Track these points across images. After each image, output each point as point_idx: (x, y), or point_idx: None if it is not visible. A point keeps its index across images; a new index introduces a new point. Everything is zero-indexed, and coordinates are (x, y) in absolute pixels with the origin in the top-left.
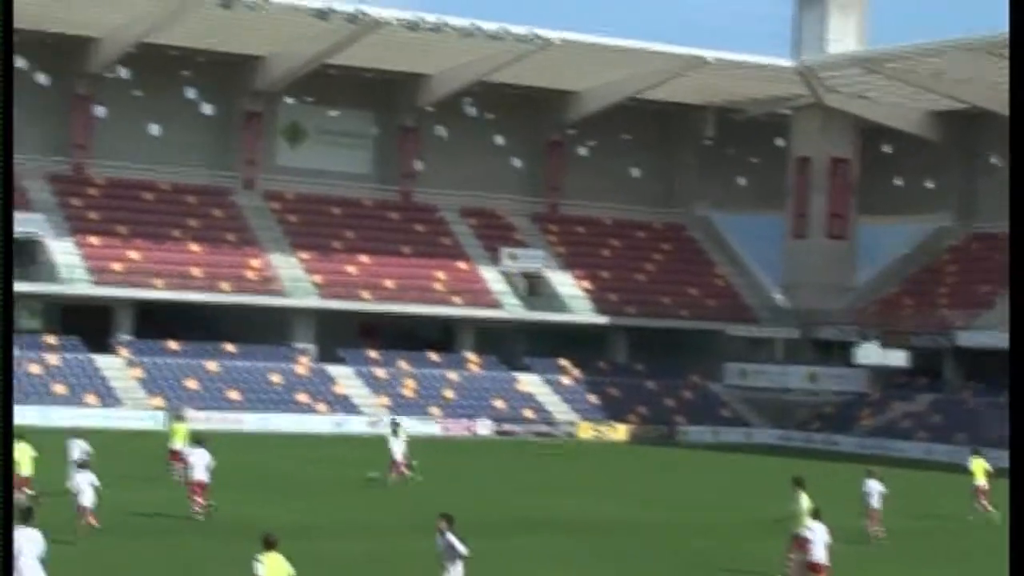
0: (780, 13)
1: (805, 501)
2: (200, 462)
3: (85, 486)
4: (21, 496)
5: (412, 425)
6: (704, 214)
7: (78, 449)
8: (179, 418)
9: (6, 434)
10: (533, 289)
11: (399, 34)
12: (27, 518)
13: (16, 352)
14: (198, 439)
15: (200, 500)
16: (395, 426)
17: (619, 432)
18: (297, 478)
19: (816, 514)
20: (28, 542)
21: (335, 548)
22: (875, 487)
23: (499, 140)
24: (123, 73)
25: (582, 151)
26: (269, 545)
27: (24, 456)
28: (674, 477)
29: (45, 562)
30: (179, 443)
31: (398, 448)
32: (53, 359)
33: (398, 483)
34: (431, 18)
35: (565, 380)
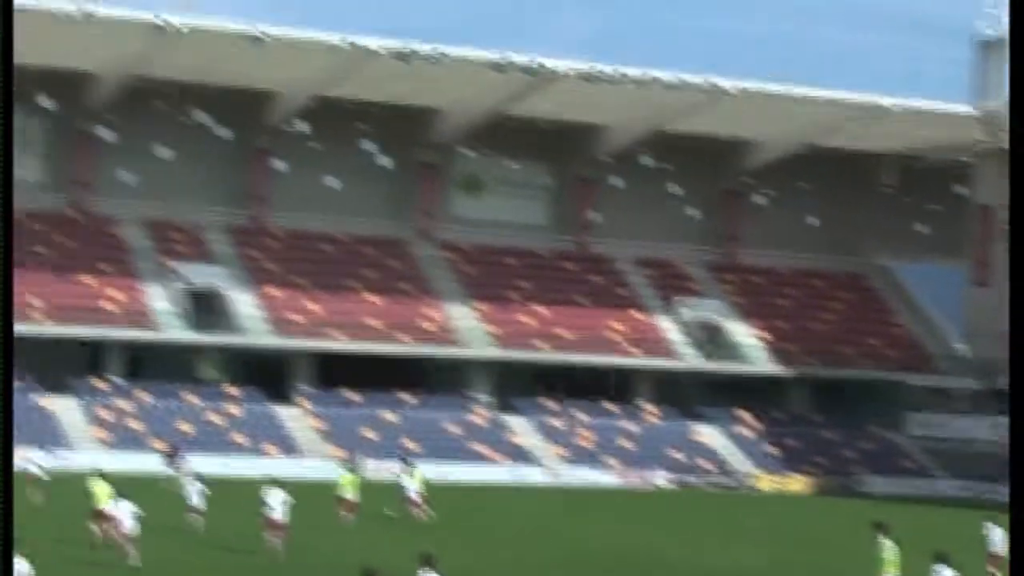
0: (959, 57)
1: (890, 549)
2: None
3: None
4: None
5: (588, 475)
6: (883, 263)
7: (276, 499)
8: (350, 469)
9: (6, 434)
10: (710, 339)
11: (575, 85)
12: None
13: (198, 402)
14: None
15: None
16: (408, 464)
17: (798, 483)
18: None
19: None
20: None
21: None
22: None
23: (675, 189)
24: (301, 126)
25: (758, 200)
26: None
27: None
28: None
29: None
30: (349, 493)
31: (411, 486)
32: (234, 410)
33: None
34: (607, 69)
35: (742, 431)
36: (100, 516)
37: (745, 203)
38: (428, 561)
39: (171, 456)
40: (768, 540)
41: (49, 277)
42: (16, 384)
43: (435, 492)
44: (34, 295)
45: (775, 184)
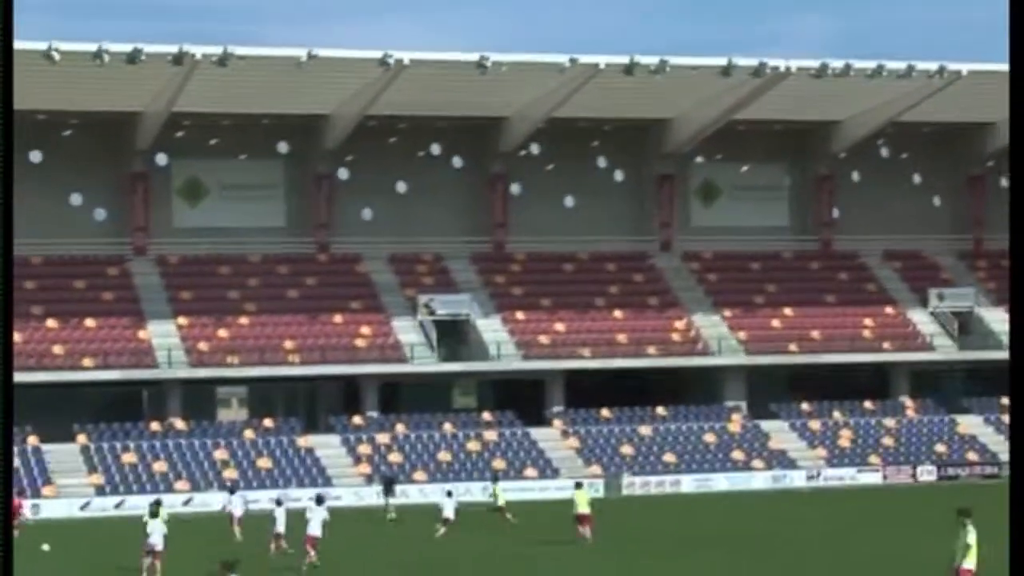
0: None
1: (972, 534)
2: (317, 518)
3: None
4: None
5: (850, 474)
6: None
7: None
8: (579, 485)
9: (6, 434)
10: (965, 328)
11: (805, 83)
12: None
13: (455, 431)
14: (319, 498)
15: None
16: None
17: None
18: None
19: None
20: None
21: None
22: None
23: (916, 179)
24: (534, 149)
25: (1003, 182)
26: None
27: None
28: None
29: None
30: (583, 508)
31: (449, 508)
32: (491, 435)
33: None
34: (836, 63)
35: (1008, 419)
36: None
37: (990, 187)
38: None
39: (389, 486)
40: None
41: (300, 318)
42: (280, 424)
43: (699, 501)
44: (288, 337)
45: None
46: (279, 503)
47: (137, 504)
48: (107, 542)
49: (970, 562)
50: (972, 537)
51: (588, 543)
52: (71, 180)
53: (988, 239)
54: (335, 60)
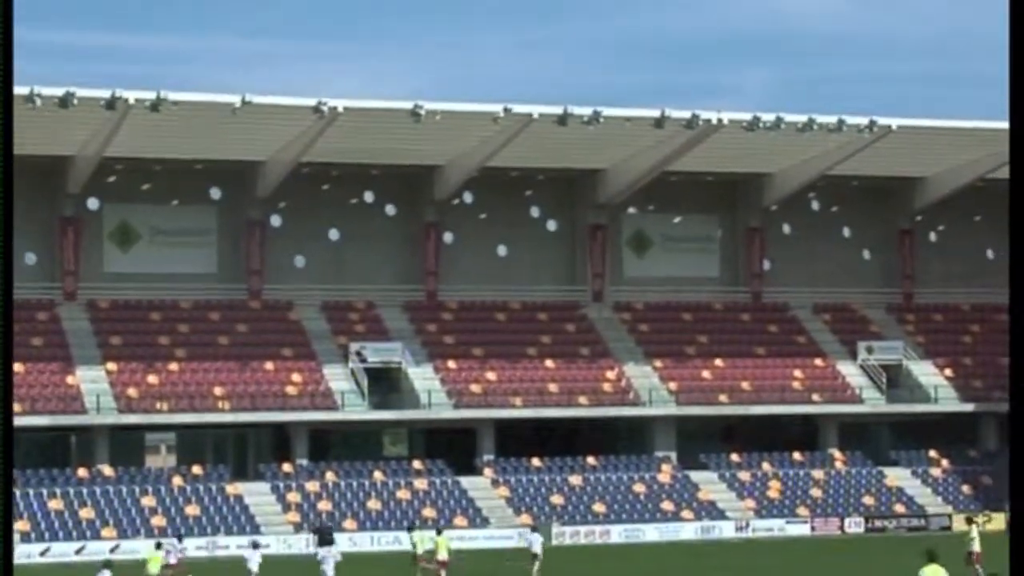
0: None
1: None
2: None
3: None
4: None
5: (779, 525)
6: None
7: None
8: (439, 532)
9: (6, 434)
10: (894, 381)
11: (737, 135)
12: None
13: (385, 479)
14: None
15: None
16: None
17: (997, 522)
18: None
19: None
20: None
21: None
22: None
23: (846, 232)
24: (468, 198)
25: (933, 237)
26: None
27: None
28: None
29: None
30: (443, 554)
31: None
32: (421, 484)
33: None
34: (768, 116)
35: (935, 472)
36: None
37: (919, 241)
38: None
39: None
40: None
41: (231, 365)
42: (209, 472)
43: (628, 552)
44: (218, 384)
45: (948, 219)
46: (255, 546)
47: (62, 551)
48: None
49: None
50: (975, 532)
51: None
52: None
53: (917, 293)
54: (269, 107)
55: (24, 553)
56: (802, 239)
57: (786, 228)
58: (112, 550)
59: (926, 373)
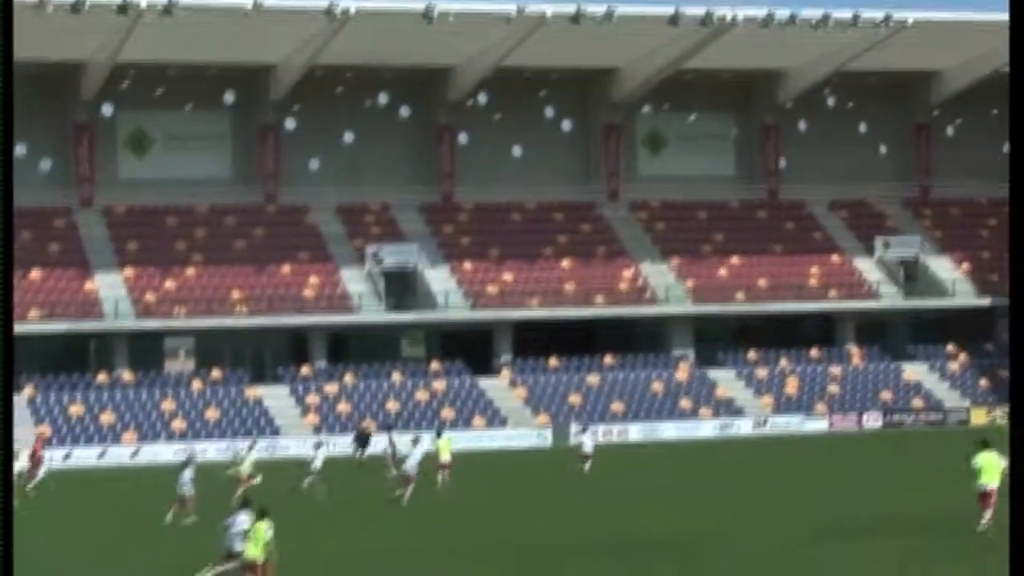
0: None
1: (983, 459)
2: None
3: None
4: None
5: (797, 422)
6: None
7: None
8: (439, 434)
9: (6, 434)
10: (911, 276)
11: (751, 32)
12: None
13: (403, 380)
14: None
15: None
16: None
17: None
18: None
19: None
20: None
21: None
22: None
23: (862, 128)
24: (482, 99)
25: (950, 131)
26: None
27: None
28: None
29: None
30: (446, 455)
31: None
32: (439, 385)
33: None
34: (783, 12)
35: (952, 366)
36: None
37: (936, 136)
38: None
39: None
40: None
41: (248, 269)
42: (227, 376)
43: (646, 450)
44: (235, 287)
45: (965, 113)
46: (318, 446)
47: (84, 455)
48: (60, 493)
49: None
50: (982, 462)
51: (446, 490)
52: (15, 131)
53: (934, 187)
54: (281, 10)
55: (46, 458)
56: (817, 136)
57: (802, 125)
58: (133, 454)
59: (943, 268)
